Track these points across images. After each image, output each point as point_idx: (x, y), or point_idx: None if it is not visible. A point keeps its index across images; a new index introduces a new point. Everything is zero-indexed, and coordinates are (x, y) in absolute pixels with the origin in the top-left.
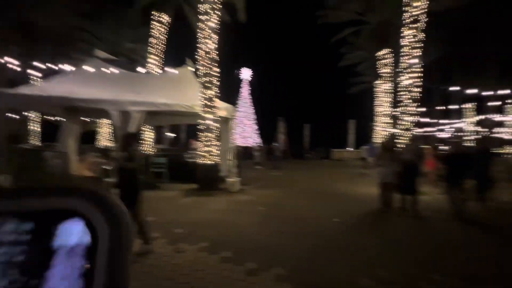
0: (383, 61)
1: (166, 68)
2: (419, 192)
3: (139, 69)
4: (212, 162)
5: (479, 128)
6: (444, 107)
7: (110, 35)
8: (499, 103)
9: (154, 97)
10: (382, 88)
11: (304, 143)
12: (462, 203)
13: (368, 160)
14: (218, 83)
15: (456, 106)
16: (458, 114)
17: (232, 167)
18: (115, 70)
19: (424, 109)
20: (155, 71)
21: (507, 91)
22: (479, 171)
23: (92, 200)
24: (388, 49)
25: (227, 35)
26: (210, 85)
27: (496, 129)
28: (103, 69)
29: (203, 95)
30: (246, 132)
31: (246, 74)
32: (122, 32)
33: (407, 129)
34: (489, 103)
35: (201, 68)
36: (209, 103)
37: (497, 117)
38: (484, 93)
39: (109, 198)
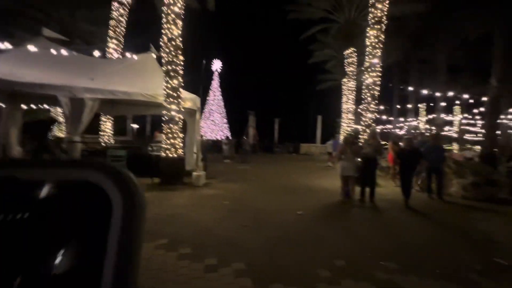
0: (349, 59)
1: (127, 54)
2: (377, 185)
3: (96, 53)
4: (176, 155)
5: (429, 127)
6: (400, 106)
7: (65, 14)
8: (446, 103)
9: (112, 84)
10: (348, 85)
11: (273, 137)
12: (408, 194)
13: (333, 154)
14: (183, 73)
15: (412, 106)
16: (414, 113)
17: (198, 161)
18: (66, 52)
19: (383, 107)
20: (115, 56)
21: (453, 93)
22: (432, 165)
23: (108, 173)
24: (353, 49)
25: (195, 24)
26: (174, 74)
27: (445, 128)
28: (52, 50)
29: (167, 85)
30: (215, 125)
31: (216, 65)
32: (78, 13)
33: (368, 125)
34: (441, 104)
35: (165, 55)
36: (172, 93)
37: (445, 117)
38: (437, 94)
39: (123, 172)
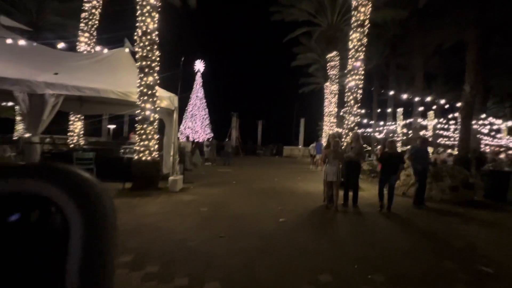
0: (331, 63)
1: (98, 48)
2: (360, 189)
3: (61, 45)
4: (149, 158)
5: (406, 131)
6: (379, 110)
7: (31, 3)
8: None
9: (78, 79)
10: (331, 89)
11: (257, 139)
12: (382, 198)
13: (316, 158)
14: (159, 69)
15: (391, 110)
16: (392, 117)
17: (175, 164)
18: (26, 43)
19: (364, 111)
20: (85, 50)
21: (429, 98)
22: (424, 168)
23: (60, 181)
24: (336, 52)
25: (176, 21)
26: (149, 71)
27: (421, 132)
28: (8, 40)
29: (141, 82)
30: (197, 126)
31: (199, 66)
32: (48, 4)
33: (351, 129)
34: (418, 109)
35: (139, 50)
36: (147, 91)
37: (422, 121)
38: (415, 99)
39: (82, 178)
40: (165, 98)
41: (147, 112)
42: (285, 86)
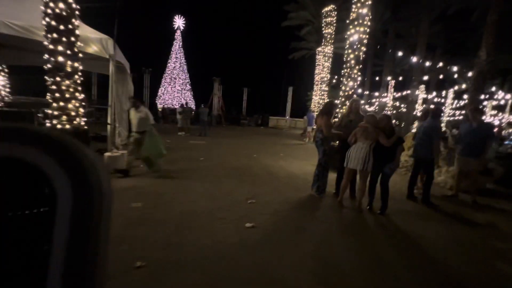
0: (327, 19)
1: None
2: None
3: None
4: (70, 126)
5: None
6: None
7: None
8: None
9: None
10: (324, 51)
11: (242, 108)
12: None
13: (308, 130)
14: None
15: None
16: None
17: (116, 137)
18: None
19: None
20: None
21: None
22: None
23: (46, 145)
24: (333, 6)
25: None
26: None
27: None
28: None
29: (46, 9)
30: (174, 91)
31: (179, 22)
32: None
33: (348, 96)
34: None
35: None
36: (57, 25)
37: (421, 93)
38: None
39: (72, 145)
40: (93, 41)
41: (60, 58)
42: (274, 52)
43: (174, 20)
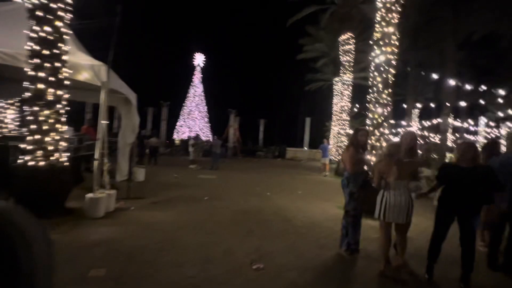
0: (345, 47)
1: None
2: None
3: None
4: (46, 162)
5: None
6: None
7: None
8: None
9: None
10: (343, 79)
11: (258, 139)
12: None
13: (323, 161)
14: (69, 16)
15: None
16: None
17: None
18: None
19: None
20: None
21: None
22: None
23: None
24: (351, 34)
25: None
26: (46, 15)
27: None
28: None
29: (32, 34)
30: (196, 124)
31: (199, 59)
32: None
33: (378, 125)
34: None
35: None
36: (41, 50)
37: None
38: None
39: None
40: (85, 67)
41: (41, 86)
42: (290, 84)
43: (194, 57)
